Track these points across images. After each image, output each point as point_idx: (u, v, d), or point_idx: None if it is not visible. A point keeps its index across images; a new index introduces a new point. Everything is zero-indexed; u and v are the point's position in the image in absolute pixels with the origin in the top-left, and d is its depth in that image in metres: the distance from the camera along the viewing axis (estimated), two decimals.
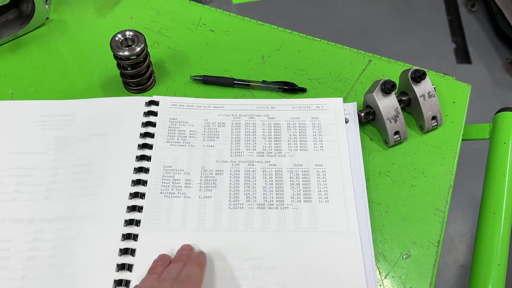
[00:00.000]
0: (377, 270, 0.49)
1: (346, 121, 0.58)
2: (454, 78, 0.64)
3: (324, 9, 2.19)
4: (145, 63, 0.59)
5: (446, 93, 0.62)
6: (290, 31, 0.69)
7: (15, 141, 0.56)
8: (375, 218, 0.52)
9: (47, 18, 0.69)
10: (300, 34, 0.69)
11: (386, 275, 0.49)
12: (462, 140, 0.63)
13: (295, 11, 2.18)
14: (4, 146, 0.56)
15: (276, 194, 0.52)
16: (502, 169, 0.57)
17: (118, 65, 0.60)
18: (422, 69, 0.57)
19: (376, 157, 0.57)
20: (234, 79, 0.62)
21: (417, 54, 2.04)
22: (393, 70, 0.65)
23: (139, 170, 0.53)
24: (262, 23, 0.70)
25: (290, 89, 0.62)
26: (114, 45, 0.57)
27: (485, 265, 0.51)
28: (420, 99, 0.57)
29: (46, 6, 0.68)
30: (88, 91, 0.62)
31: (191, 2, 0.72)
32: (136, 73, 0.59)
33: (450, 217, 1.53)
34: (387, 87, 0.55)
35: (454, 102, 0.61)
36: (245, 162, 0.55)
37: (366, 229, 0.50)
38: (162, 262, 0.47)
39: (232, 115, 0.59)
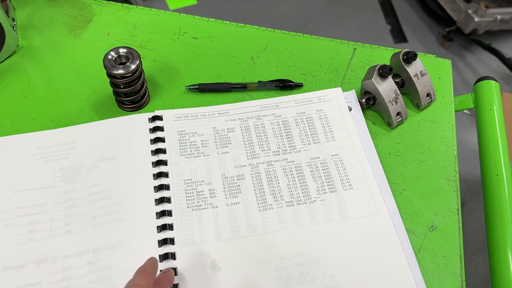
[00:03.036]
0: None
1: (350, 109, 0.60)
2: (434, 55, 0.68)
3: (262, 6, 2.21)
4: (140, 80, 0.57)
5: (430, 70, 0.66)
6: (273, 30, 0.70)
7: (16, 179, 0.53)
8: (396, 197, 0.54)
9: (17, 46, 0.65)
10: (282, 31, 0.70)
11: (419, 249, 0.51)
12: None
13: (233, 11, 2.19)
14: (4, 185, 0.52)
15: (302, 189, 0.53)
16: (494, 134, 0.61)
17: (112, 84, 0.57)
18: (412, 51, 0.60)
19: (382, 139, 0.59)
20: (231, 84, 0.62)
21: (357, 39, 2.11)
22: (378, 55, 0.67)
23: (160, 188, 0.52)
24: (243, 24, 0.70)
25: (286, 86, 0.63)
26: (108, 64, 0.54)
27: (500, 224, 0.55)
28: (414, 79, 0.60)
29: (14, 33, 0.64)
30: (81, 116, 0.59)
31: (167, 12, 0.71)
32: (131, 90, 0.57)
33: None
34: (385, 71, 0.57)
35: (440, 78, 0.65)
36: (263, 163, 0.55)
37: (393, 209, 0.52)
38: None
39: (239, 119, 0.58)
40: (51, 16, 0.70)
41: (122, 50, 0.55)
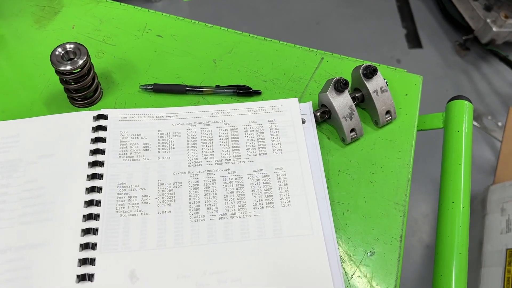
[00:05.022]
0: (343, 270, 0.49)
1: (303, 122, 0.58)
2: (406, 70, 0.65)
3: (276, 3, 2.18)
4: (90, 75, 0.56)
5: (398, 86, 0.63)
6: (241, 33, 0.68)
7: None
8: (337, 217, 0.52)
9: None
10: (251, 35, 0.68)
11: (352, 275, 0.49)
12: (417, 130, 0.64)
13: (246, 5, 2.16)
14: None
15: (238, 202, 0.51)
16: (457, 158, 0.58)
17: (61, 80, 0.57)
18: (373, 64, 0.57)
19: (334, 156, 0.57)
20: (186, 86, 0.60)
21: (369, 42, 2.07)
22: (346, 67, 0.65)
23: (91, 190, 0.51)
24: (211, 25, 0.68)
25: (244, 92, 0.61)
26: (55, 60, 0.54)
27: (447, 255, 0.52)
28: (373, 95, 0.57)
29: None
30: (32, 109, 0.59)
31: (136, 7, 0.69)
32: (81, 87, 0.56)
33: (413, 199, 1.57)
34: (340, 86, 0.55)
35: (406, 95, 0.62)
36: (203, 171, 0.53)
37: (330, 230, 0.50)
38: None
39: (187, 123, 0.57)
40: (21, 5, 0.69)
41: (69, 46, 0.55)
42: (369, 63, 0.58)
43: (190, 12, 2.09)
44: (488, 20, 1.87)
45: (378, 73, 0.57)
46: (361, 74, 0.57)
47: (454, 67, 2.04)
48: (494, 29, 1.85)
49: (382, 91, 0.57)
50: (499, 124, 1.84)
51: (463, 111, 0.61)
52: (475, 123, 1.83)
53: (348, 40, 2.06)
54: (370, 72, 0.56)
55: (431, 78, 1.98)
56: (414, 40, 2.12)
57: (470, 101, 0.63)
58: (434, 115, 0.65)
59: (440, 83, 1.97)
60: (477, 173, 1.71)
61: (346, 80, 0.55)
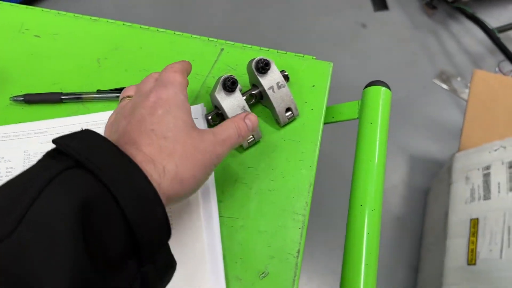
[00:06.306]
0: None
1: None
2: (314, 57, 0.57)
3: None
4: None
5: (305, 76, 0.56)
6: (130, 24, 0.60)
7: None
8: (230, 235, 0.46)
9: None
10: (141, 26, 0.60)
11: None
12: (333, 122, 0.58)
13: None
14: None
15: None
16: (369, 154, 0.52)
17: None
18: (265, 58, 0.50)
19: (231, 163, 0.50)
20: (62, 94, 0.53)
21: (333, 7, 1.98)
22: (248, 58, 0.57)
23: None
24: (97, 18, 0.60)
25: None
26: None
27: (353, 267, 0.47)
28: (269, 92, 0.50)
29: None
30: None
31: (12, 4, 0.61)
32: None
33: None
34: (227, 85, 0.48)
35: (314, 86, 0.55)
36: None
37: (216, 253, 0.44)
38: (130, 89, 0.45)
39: None
40: None
41: None
42: (262, 56, 0.50)
43: None
44: None
45: (273, 67, 0.50)
46: (254, 69, 0.50)
47: (422, 28, 1.96)
48: None
49: (279, 87, 0.51)
50: (469, 85, 1.78)
51: (378, 100, 0.55)
52: (444, 86, 1.77)
53: (310, 5, 1.96)
54: (262, 67, 0.49)
55: (399, 41, 1.90)
56: (379, 2, 2.03)
57: (388, 86, 0.57)
58: (351, 104, 0.58)
59: (408, 46, 1.89)
60: (446, 139, 1.66)
61: (234, 78, 0.48)
